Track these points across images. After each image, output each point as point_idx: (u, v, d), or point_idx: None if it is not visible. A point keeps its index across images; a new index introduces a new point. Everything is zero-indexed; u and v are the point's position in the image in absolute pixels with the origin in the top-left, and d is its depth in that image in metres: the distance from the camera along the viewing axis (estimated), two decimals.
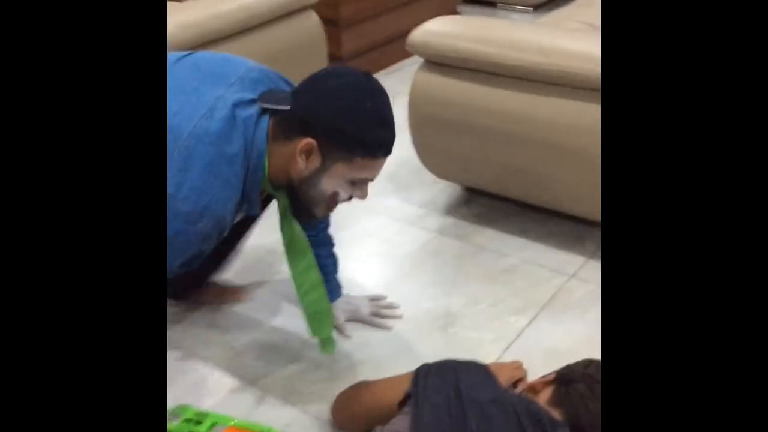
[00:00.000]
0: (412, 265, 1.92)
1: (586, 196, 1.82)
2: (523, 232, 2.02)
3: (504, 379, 1.42)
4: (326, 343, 1.53)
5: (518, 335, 1.66)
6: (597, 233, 1.98)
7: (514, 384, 1.45)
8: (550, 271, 1.87)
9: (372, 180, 1.33)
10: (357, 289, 1.77)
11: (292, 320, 1.71)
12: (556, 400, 1.27)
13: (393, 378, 1.36)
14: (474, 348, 1.62)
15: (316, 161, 1.26)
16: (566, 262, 1.90)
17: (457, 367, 1.25)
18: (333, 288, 1.69)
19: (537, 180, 1.91)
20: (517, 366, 1.49)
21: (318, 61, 2.62)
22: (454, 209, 2.16)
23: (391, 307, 1.74)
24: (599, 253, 1.91)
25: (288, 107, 1.26)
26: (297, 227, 1.42)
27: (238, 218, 1.37)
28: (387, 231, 2.07)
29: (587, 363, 1.32)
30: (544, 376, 1.34)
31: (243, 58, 1.37)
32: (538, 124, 1.82)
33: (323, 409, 1.45)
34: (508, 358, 1.59)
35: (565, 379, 1.27)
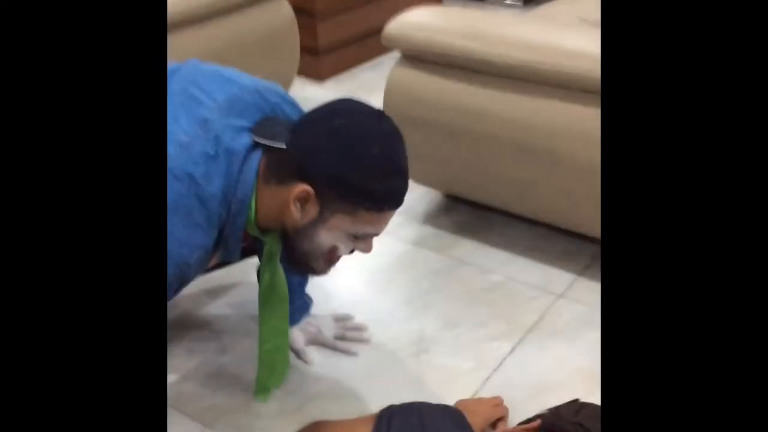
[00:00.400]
0: (385, 281, 1.74)
1: (577, 207, 1.65)
2: (507, 245, 1.85)
3: (481, 419, 1.24)
4: (261, 391, 1.38)
5: (500, 364, 1.48)
6: (588, 247, 1.81)
7: (493, 425, 1.28)
8: (536, 290, 1.69)
9: (378, 235, 1.17)
10: (321, 306, 1.59)
11: (246, 341, 1.52)
12: None
13: (353, 421, 1.18)
14: (450, 378, 1.44)
15: (313, 211, 1.10)
16: (554, 279, 1.72)
17: (424, 411, 1.07)
18: (299, 307, 1.51)
19: (524, 188, 1.73)
20: (497, 403, 1.32)
21: (289, 54, 2.43)
22: (434, 218, 1.98)
23: (358, 329, 1.56)
24: (591, 270, 1.74)
25: (284, 145, 1.08)
26: (280, 274, 1.27)
27: (212, 263, 1.20)
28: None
29: (578, 408, 1.14)
30: (527, 423, 1.17)
31: (239, 73, 1.19)
32: (528, 127, 1.64)
33: None
34: (488, 389, 1.41)
35: (553, 429, 1.10)
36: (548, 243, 1.85)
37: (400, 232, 1.89)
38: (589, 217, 1.62)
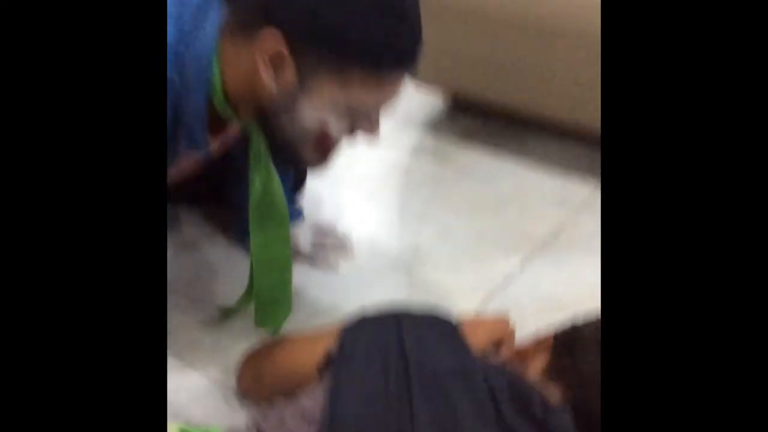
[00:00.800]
0: (376, 189, 1.50)
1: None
2: (519, 154, 1.60)
3: (482, 339, 1.00)
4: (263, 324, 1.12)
5: (507, 281, 1.25)
6: None
7: (497, 346, 1.04)
8: (552, 202, 1.45)
9: (382, 107, 0.91)
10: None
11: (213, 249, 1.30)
12: (554, 373, 0.86)
13: (317, 332, 0.95)
14: (447, 296, 1.21)
15: (289, 74, 0.84)
16: (573, 190, 1.48)
17: (406, 319, 0.84)
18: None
19: (544, 81, 1.47)
20: (503, 321, 1.07)
21: None
22: (435, 125, 1.72)
23: (340, 239, 1.32)
24: None
25: None
26: (275, 179, 0.99)
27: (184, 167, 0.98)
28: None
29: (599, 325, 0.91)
30: (539, 337, 0.93)
31: None
32: (549, 4, 1.38)
33: (227, 371, 1.04)
34: (491, 308, 1.18)
35: (571, 343, 0.86)
36: (566, 152, 1.59)
37: (396, 138, 1.64)
38: None
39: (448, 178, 1.53)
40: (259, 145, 0.95)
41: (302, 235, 1.29)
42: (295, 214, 1.28)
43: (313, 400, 0.76)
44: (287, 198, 1.14)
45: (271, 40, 0.82)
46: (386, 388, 0.74)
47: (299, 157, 0.94)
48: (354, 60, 0.83)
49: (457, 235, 1.35)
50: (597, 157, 1.56)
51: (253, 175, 0.99)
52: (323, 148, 0.93)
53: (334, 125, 0.89)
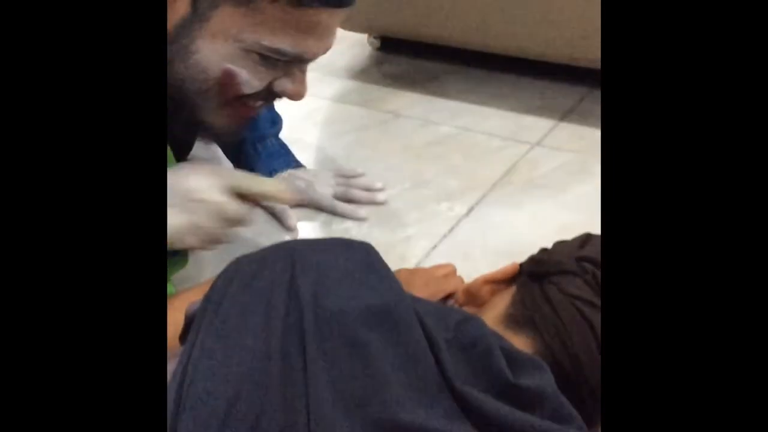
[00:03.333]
0: (292, 140, 1.23)
1: (554, 31, 1.17)
2: (459, 95, 1.35)
3: (424, 294, 0.74)
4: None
5: (452, 228, 0.99)
6: (567, 90, 1.32)
7: (443, 301, 0.78)
8: (503, 140, 1.20)
9: (311, 57, 0.73)
10: None
11: None
12: (520, 316, 0.60)
13: (191, 290, 0.69)
14: (382, 251, 0.94)
15: (181, 1, 0.67)
16: (526, 126, 1.24)
17: (303, 252, 0.56)
18: (273, 151, 1.07)
19: (477, 14, 1.24)
20: (448, 272, 0.82)
21: None
22: (360, 72, 1.47)
23: (369, 188, 1.06)
24: (576, 114, 1.25)
25: None
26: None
27: None
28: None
29: (584, 239, 0.65)
30: (495, 272, 0.67)
31: None
32: None
33: None
34: (435, 260, 0.92)
35: (540, 270, 0.61)
36: (514, 90, 1.36)
37: (312, 88, 1.37)
38: (577, 44, 1.14)
39: (377, 123, 1.27)
40: None
41: (321, 182, 1.04)
42: (281, 151, 1.07)
43: (170, 374, 0.49)
44: (279, 144, 1.07)
45: None
46: (267, 344, 0.47)
47: (199, 117, 0.73)
48: None
49: (389, 183, 1.09)
50: (548, 92, 1.33)
51: None
52: (228, 105, 0.73)
53: (242, 75, 0.70)
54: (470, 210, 1.02)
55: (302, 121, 1.27)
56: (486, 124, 1.25)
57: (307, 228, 1.00)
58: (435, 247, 0.96)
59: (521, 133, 1.21)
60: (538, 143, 1.18)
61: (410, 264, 0.92)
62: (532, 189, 1.07)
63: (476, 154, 1.16)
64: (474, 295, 0.65)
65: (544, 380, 0.50)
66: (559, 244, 0.65)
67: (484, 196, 1.05)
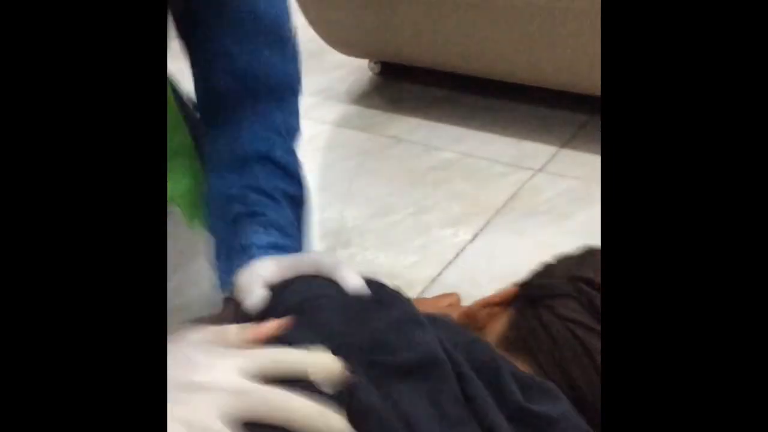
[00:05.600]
0: None
1: (565, 58, 1.17)
2: (461, 121, 1.35)
3: None
4: None
5: (458, 254, 0.99)
6: (568, 117, 1.33)
7: None
8: (505, 165, 1.20)
9: None
10: None
11: None
12: (516, 340, 0.59)
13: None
14: (386, 276, 0.93)
15: None
16: (529, 153, 1.24)
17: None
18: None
19: (479, 41, 1.24)
20: (452, 302, 0.80)
21: None
22: (361, 97, 1.47)
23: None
24: (578, 140, 1.25)
25: None
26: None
27: None
28: None
29: (584, 254, 0.64)
30: (492, 295, 0.66)
31: None
32: None
33: None
34: (438, 289, 0.92)
35: (535, 294, 0.60)
36: (516, 116, 1.36)
37: (313, 113, 1.37)
38: (579, 71, 1.15)
39: (379, 147, 1.27)
40: None
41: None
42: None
43: None
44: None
45: None
46: None
47: None
48: None
49: (391, 209, 1.09)
50: (550, 119, 1.33)
51: None
52: None
53: None
54: (475, 236, 1.02)
55: (303, 146, 1.26)
56: (488, 150, 1.25)
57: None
58: (440, 273, 0.95)
59: (524, 159, 1.21)
60: (541, 169, 1.18)
61: (417, 290, 0.91)
62: (536, 215, 1.06)
63: (479, 180, 1.16)
64: (473, 318, 0.64)
65: (556, 407, 0.50)
66: (560, 262, 0.64)
67: (489, 222, 1.05)
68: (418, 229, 1.04)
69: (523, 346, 0.57)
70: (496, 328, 0.61)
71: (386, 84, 1.51)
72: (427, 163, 1.21)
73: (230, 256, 0.61)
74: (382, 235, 1.03)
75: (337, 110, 1.41)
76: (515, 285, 0.62)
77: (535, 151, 1.24)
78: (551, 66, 1.23)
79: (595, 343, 0.55)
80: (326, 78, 1.52)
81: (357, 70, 1.55)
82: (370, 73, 1.55)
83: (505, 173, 1.18)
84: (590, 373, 0.54)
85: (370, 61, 1.53)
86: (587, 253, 0.63)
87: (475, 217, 1.06)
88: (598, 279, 0.58)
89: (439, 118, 1.36)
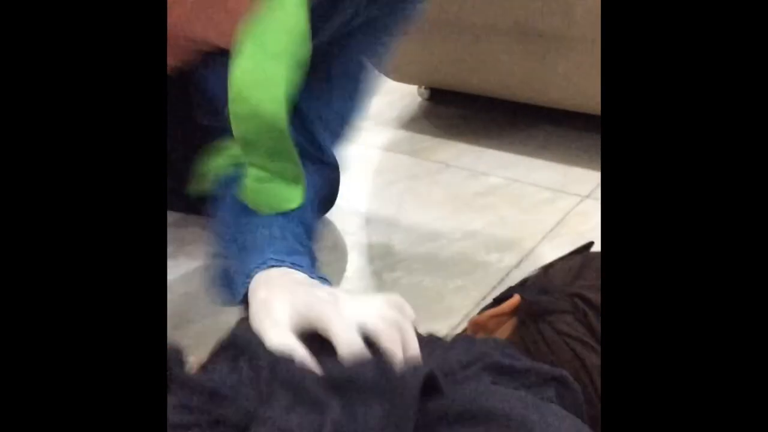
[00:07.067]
0: (344, 191, 1.26)
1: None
2: (508, 146, 1.37)
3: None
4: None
5: (502, 279, 1.00)
6: None
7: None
8: (552, 191, 1.21)
9: None
10: None
11: None
12: (520, 347, 0.62)
13: None
14: (428, 301, 0.95)
15: None
16: (576, 179, 1.24)
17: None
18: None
19: (526, 70, 1.26)
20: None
21: None
22: (410, 122, 1.50)
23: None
24: None
25: None
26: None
27: None
28: None
29: (581, 265, 0.66)
30: (495, 305, 0.69)
31: None
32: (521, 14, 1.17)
33: None
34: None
35: (535, 310, 0.62)
36: (562, 142, 1.37)
37: (364, 137, 1.40)
38: None
39: (427, 173, 1.29)
40: None
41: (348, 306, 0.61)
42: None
43: None
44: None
45: None
46: None
47: None
48: None
49: (439, 234, 1.10)
50: (596, 145, 1.33)
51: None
52: None
53: None
54: (520, 261, 1.03)
55: (352, 170, 1.29)
56: (535, 176, 1.26)
57: (354, 280, 1.01)
58: (485, 297, 0.96)
59: (570, 185, 1.22)
60: (588, 196, 1.19)
61: (461, 314, 0.92)
62: (582, 241, 1.06)
63: (525, 206, 1.17)
64: (483, 326, 0.66)
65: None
66: (559, 268, 0.67)
67: (534, 248, 1.06)
68: (463, 254, 1.06)
69: (526, 353, 0.60)
70: (503, 335, 0.65)
71: (435, 110, 1.53)
72: (473, 189, 1.23)
73: (242, 251, 0.68)
74: (428, 260, 1.05)
75: (386, 135, 1.44)
76: (518, 296, 0.65)
77: (582, 177, 1.24)
78: (599, 94, 1.24)
79: (594, 360, 0.58)
80: (377, 103, 1.55)
81: (407, 95, 1.58)
82: (419, 99, 1.58)
83: (552, 199, 1.18)
84: (589, 392, 0.57)
85: (419, 87, 1.56)
86: (586, 259, 0.65)
87: (520, 243, 1.07)
88: (592, 295, 0.60)
89: (487, 144, 1.38)
